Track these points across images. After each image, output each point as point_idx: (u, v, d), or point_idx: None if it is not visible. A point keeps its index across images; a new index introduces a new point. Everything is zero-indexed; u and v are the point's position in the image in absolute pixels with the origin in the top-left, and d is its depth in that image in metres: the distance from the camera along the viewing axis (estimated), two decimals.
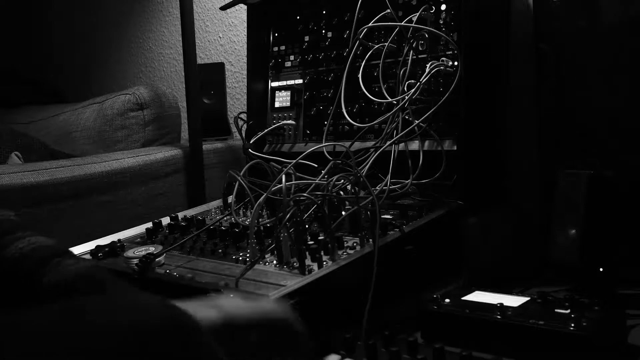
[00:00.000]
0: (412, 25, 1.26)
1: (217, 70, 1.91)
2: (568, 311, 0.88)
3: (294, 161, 1.14)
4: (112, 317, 0.49)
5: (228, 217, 1.25)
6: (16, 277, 0.77)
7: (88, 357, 0.46)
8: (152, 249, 1.06)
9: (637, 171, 1.22)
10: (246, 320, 0.62)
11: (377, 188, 1.16)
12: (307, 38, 1.56)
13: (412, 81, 1.25)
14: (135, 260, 1.03)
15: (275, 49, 1.64)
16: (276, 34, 1.65)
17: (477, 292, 1.01)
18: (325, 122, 1.46)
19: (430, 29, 1.26)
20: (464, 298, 0.98)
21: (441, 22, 1.30)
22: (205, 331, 0.54)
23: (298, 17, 1.59)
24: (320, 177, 1.18)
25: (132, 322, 0.49)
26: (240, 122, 1.58)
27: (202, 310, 0.61)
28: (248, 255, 1.04)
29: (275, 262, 0.99)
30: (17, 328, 0.47)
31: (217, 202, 1.46)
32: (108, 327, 0.48)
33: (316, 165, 1.26)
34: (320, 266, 0.94)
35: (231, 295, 0.69)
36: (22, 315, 0.49)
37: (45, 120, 2.15)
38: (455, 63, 1.25)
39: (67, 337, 0.47)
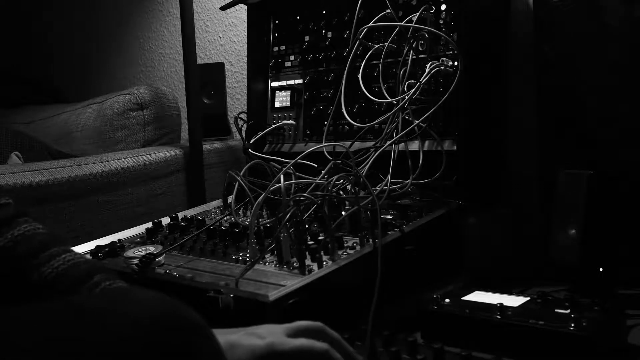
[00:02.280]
0: (412, 25, 1.26)
1: (217, 70, 1.91)
2: (568, 311, 0.88)
3: (293, 161, 1.14)
4: (113, 312, 0.49)
5: (228, 217, 1.25)
6: (52, 296, 0.76)
7: (90, 350, 0.46)
8: (152, 249, 1.06)
9: (637, 171, 1.22)
10: (288, 349, 0.66)
11: (377, 188, 1.15)
12: (307, 38, 1.56)
13: (412, 81, 1.25)
14: (135, 260, 1.03)
15: (275, 49, 1.64)
16: (276, 34, 1.65)
17: (477, 292, 1.01)
18: (325, 122, 1.46)
19: (430, 29, 1.26)
20: (464, 298, 0.98)
21: (441, 22, 1.30)
22: (207, 327, 0.54)
23: (298, 17, 1.59)
24: (320, 177, 1.18)
25: (133, 316, 0.49)
26: (240, 122, 1.58)
27: (247, 338, 0.66)
28: (248, 255, 1.04)
29: (275, 262, 0.99)
30: (20, 322, 0.47)
31: (217, 202, 1.46)
32: (110, 321, 0.48)
33: (316, 165, 1.26)
34: (320, 266, 0.94)
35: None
36: (26, 311, 0.49)
37: (45, 120, 2.15)
38: (455, 63, 1.25)
39: (69, 330, 0.47)
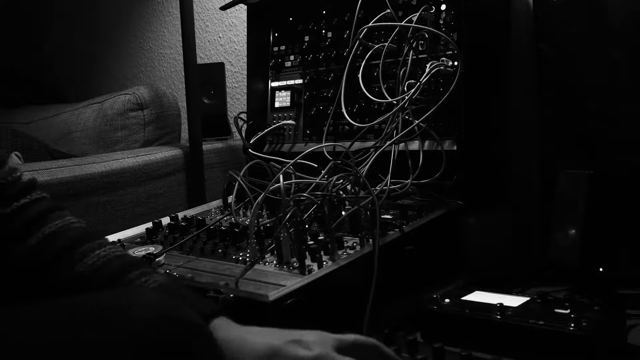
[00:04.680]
0: (412, 25, 1.26)
1: (217, 70, 1.91)
2: (568, 311, 0.88)
3: (293, 161, 1.14)
4: (113, 312, 0.49)
5: (228, 217, 1.25)
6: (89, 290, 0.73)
7: (92, 350, 0.46)
8: (152, 249, 1.06)
9: (637, 171, 1.22)
10: None
11: (377, 188, 1.15)
12: (307, 38, 1.56)
13: (412, 81, 1.25)
14: None
15: (275, 49, 1.64)
16: (276, 34, 1.65)
17: (477, 292, 1.01)
18: (325, 122, 1.46)
19: (430, 29, 1.26)
20: (464, 298, 0.98)
21: (441, 22, 1.30)
22: (208, 329, 0.54)
23: (298, 17, 1.59)
24: (320, 177, 1.18)
25: (135, 317, 0.49)
26: (240, 122, 1.58)
27: (292, 348, 0.62)
28: (248, 255, 1.04)
29: (275, 262, 0.99)
30: (24, 323, 0.48)
31: (217, 202, 1.46)
32: (111, 322, 0.48)
33: (316, 165, 1.26)
34: (320, 266, 0.94)
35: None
36: (29, 311, 0.49)
37: (45, 120, 2.15)
38: (455, 63, 1.25)
39: (71, 330, 0.47)
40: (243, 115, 1.60)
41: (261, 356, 0.60)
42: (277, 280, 0.91)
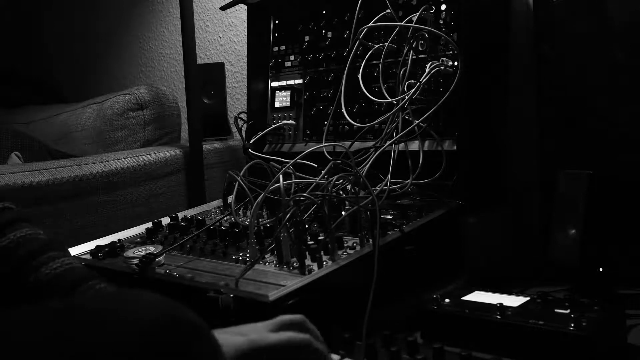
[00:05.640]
0: (412, 25, 1.26)
1: (217, 70, 1.91)
2: (568, 311, 0.88)
3: (293, 161, 1.14)
4: (114, 313, 0.49)
5: (228, 217, 1.25)
6: (48, 298, 0.79)
7: (90, 350, 0.46)
8: (152, 249, 1.06)
9: (637, 171, 1.22)
10: (270, 343, 0.67)
11: (377, 188, 1.15)
12: (307, 38, 1.56)
13: (412, 81, 1.25)
14: (135, 260, 1.03)
15: (275, 49, 1.64)
16: (276, 34, 1.65)
17: (477, 292, 1.01)
18: (325, 122, 1.46)
19: (430, 29, 1.26)
20: (463, 298, 0.98)
21: (441, 22, 1.30)
22: (207, 328, 0.54)
23: (298, 17, 1.59)
24: (320, 177, 1.18)
25: (133, 317, 0.49)
26: (240, 122, 1.58)
27: (230, 337, 0.66)
28: (248, 255, 1.04)
29: (275, 262, 0.99)
30: (21, 323, 0.48)
31: (217, 202, 1.46)
32: (110, 322, 0.48)
33: (316, 165, 1.26)
34: (320, 266, 0.94)
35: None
36: (26, 311, 0.49)
37: (45, 120, 2.15)
38: (455, 63, 1.25)
39: (70, 330, 0.47)
40: (243, 115, 1.60)
41: None
42: (277, 280, 0.91)
